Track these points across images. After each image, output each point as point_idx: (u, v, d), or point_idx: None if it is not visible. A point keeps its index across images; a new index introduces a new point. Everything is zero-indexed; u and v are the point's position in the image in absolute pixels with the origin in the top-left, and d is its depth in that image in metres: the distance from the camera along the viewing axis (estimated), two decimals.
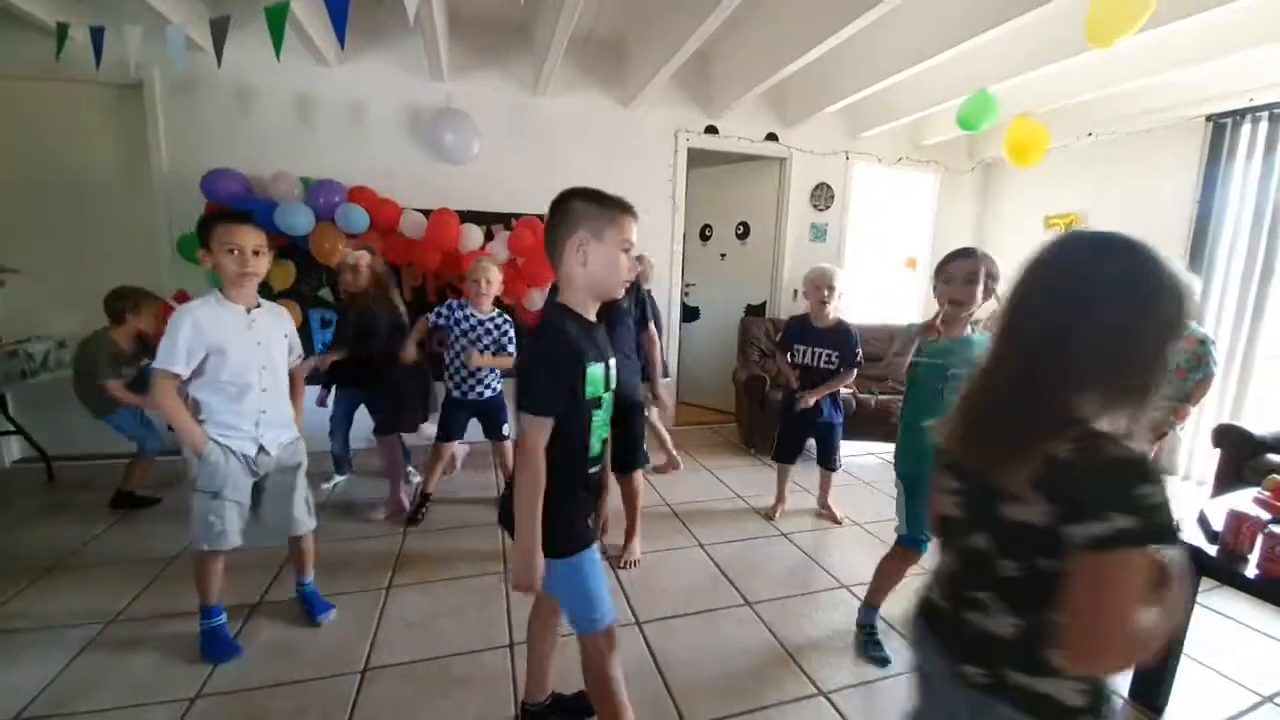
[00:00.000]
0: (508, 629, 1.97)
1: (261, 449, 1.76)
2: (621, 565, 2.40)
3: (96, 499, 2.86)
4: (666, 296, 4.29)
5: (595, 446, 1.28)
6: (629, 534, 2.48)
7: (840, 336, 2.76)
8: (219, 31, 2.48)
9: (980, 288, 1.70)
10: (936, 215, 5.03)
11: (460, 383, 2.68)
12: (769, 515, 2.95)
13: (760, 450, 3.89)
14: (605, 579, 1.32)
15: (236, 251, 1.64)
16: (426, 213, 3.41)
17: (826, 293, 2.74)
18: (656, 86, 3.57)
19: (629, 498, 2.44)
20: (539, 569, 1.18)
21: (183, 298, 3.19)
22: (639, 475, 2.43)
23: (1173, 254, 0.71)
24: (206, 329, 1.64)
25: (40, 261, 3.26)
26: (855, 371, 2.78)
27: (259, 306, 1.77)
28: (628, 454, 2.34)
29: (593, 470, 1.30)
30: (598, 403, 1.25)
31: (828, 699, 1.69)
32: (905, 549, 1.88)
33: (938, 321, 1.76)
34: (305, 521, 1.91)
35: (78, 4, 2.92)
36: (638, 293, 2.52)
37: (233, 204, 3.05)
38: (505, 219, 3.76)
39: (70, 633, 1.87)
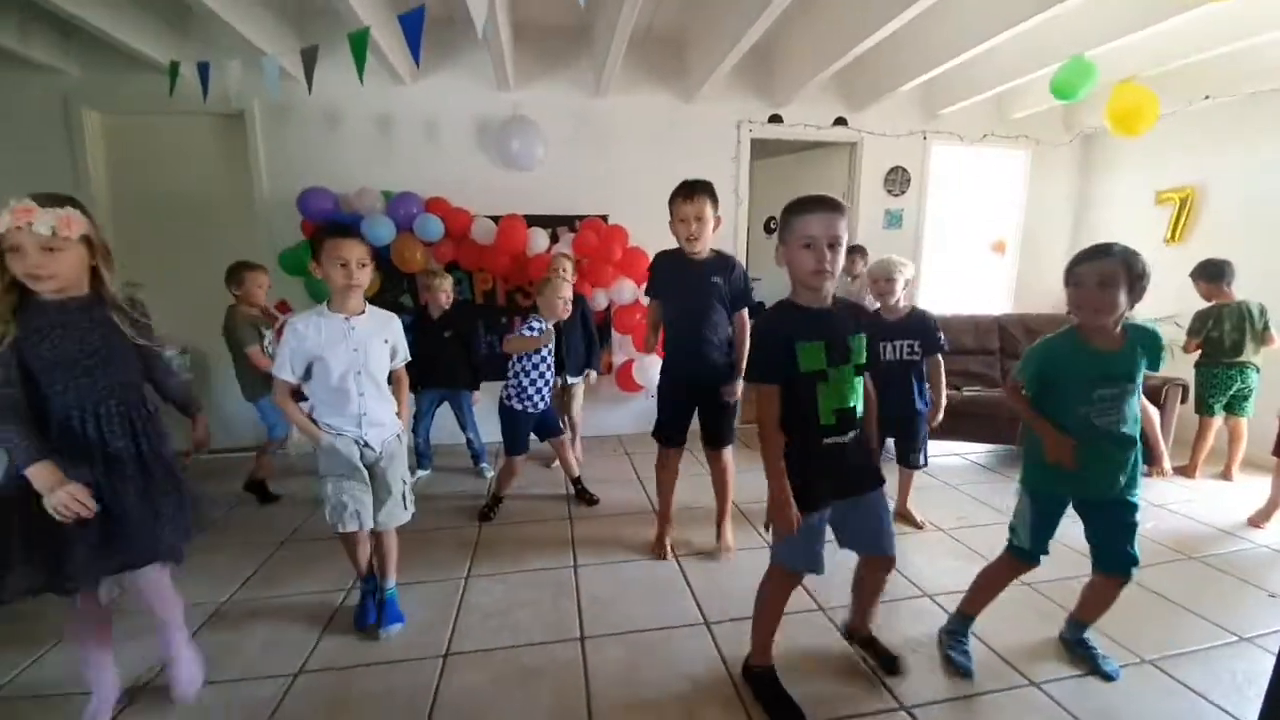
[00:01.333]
0: (579, 622, 2.01)
1: (367, 445, 1.89)
2: (723, 553, 2.45)
3: (219, 488, 3.16)
4: None
5: (826, 416, 1.45)
6: (721, 518, 2.50)
7: (917, 324, 2.58)
8: (309, 60, 2.67)
9: (1121, 292, 1.50)
10: (1028, 194, 4.65)
11: (521, 397, 2.76)
12: None
13: None
14: (819, 541, 1.53)
15: (343, 265, 1.76)
16: (496, 219, 3.54)
17: (884, 284, 2.56)
18: (717, 79, 3.53)
19: (719, 475, 2.46)
20: (789, 517, 1.43)
21: (283, 307, 3.48)
22: (728, 452, 2.42)
23: None
24: (307, 339, 1.78)
25: (161, 277, 3.64)
26: (942, 357, 2.59)
27: (363, 314, 1.88)
28: (715, 429, 2.38)
29: (827, 440, 1.47)
30: (822, 375, 1.43)
31: (910, 714, 1.61)
32: (1018, 560, 1.75)
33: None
34: (401, 514, 2.00)
35: (185, 43, 3.26)
36: (733, 270, 2.29)
37: (325, 219, 3.29)
38: (569, 221, 3.84)
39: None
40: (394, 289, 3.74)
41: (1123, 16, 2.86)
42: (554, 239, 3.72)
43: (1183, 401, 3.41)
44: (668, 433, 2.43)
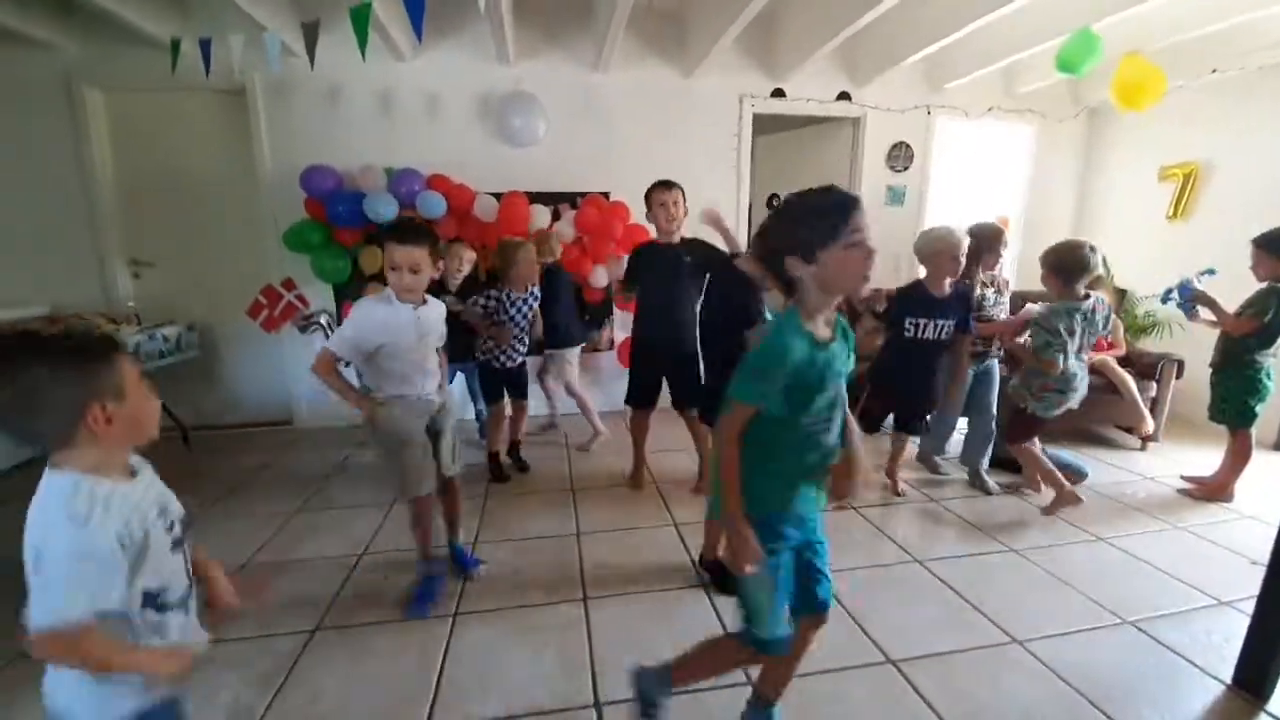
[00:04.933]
0: (581, 586, 2.10)
1: (431, 399, 1.96)
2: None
3: (228, 463, 3.29)
4: None
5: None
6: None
7: (959, 303, 2.52)
8: (310, 35, 2.67)
9: None
10: (1034, 170, 4.62)
11: (497, 354, 2.99)
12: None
13: None
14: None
15: (397, 270, 1.79)
16: (498, 196, 3.55)
17: (953, 263, 2.43)
18: (719, 53, 3.49)
19: (693, 430, 2.85)
20: None
21: (289, 285, 3.52)
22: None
23: None
24: (380, 325, 1.81)
25: (170, 255, 3.70)
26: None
27: (425, 304, 1.93)
28: (682, 394, 2.79)
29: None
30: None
31: (896, 667, 1.69)
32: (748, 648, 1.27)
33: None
34: (455, 466, 2.11)
35: (186, 19, 3.25)
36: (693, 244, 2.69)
37: (327, 198, 3.31)
38: (571, 198, 3.84)
39: None
40: None
41: None
42: (555, 216, 3.73)
43: (1178, 377, 3.44)
44: (638, 399, 2.86)
